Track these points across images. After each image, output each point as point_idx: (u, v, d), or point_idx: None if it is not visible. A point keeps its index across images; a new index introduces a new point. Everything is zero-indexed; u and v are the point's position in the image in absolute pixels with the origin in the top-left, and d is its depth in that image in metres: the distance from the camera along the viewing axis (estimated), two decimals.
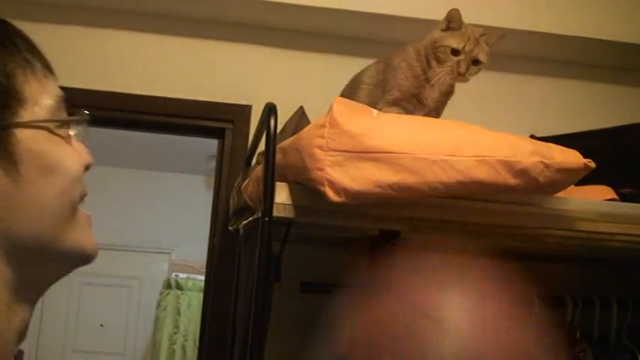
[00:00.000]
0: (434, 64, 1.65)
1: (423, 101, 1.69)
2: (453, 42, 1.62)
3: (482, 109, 2.47)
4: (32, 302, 0.72)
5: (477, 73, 1.66)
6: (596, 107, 2.54)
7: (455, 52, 1.62)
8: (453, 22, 1.65)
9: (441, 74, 1.64)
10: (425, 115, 1.70)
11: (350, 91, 1.81)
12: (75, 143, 0.76)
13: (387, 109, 1.66)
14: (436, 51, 1.65)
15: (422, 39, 1.79)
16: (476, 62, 1.64)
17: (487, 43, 1.66)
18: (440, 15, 2.17)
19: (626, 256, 2.02)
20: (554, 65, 2.57)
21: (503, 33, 1.69)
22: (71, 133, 0.75)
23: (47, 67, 0.76)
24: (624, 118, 2.35)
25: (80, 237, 0.74)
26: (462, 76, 1.64)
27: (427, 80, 1.67)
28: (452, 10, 1.66)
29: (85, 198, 0.77)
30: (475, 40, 1.63)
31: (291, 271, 1.79)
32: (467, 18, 2.25)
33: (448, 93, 1.72)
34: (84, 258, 0.76)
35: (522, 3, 2.35)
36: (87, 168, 0.78)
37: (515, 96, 2.52)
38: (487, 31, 1.66)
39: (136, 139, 3.99)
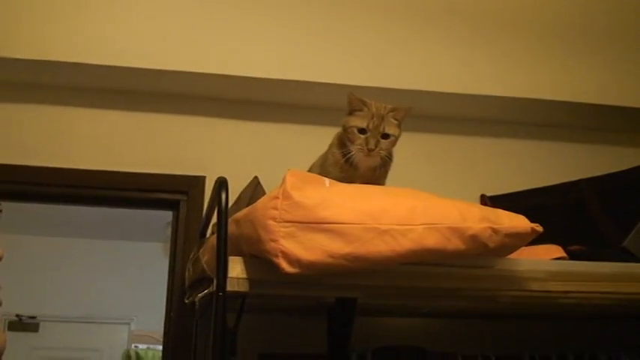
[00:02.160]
0: (348, 145, 1.73)
1: (352, 181, 1.73)
2: (358, 122, 1.71)
3: (433, 170, 2.53)
4: None
5: (391, 145, 1.73)
6: (541, 165, 2.61)
7: (361, 130, 1.70)
8: (352, 104, 1.74)
9: (352, 152, 1.71)
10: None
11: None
12: None
13: None
14: (347, 133, 1.74)
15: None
16: (385, 136, 1.71)
17: (395, 118, 1.73)
18: (393, 82, 2.26)
19: (579, 312, 2.06)
20: (500, 126, 2.64)
21: (411, 107, 1.76)
22: None
23: None
24: (568, 174, 2.43)
25: None
26: (373, 151, 1.70)
27: (348, 162, 1.74)
28: (348, 94, 1.75)
29: None
30: (380, 117, 1.70)
31: (249, 342, 1.78)
32: (417, 85, 2.35)
33: (376, 167, 1.77)
34: None
35: (466, 69, 2.43)
36: None
37: (465, 157, 2.58)
38: (396, 107, 1.73)
39: (90, 209, 3.95)
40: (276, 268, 1.40)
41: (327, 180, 1.63)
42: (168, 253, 2.49)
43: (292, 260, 1.39)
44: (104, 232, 5.66)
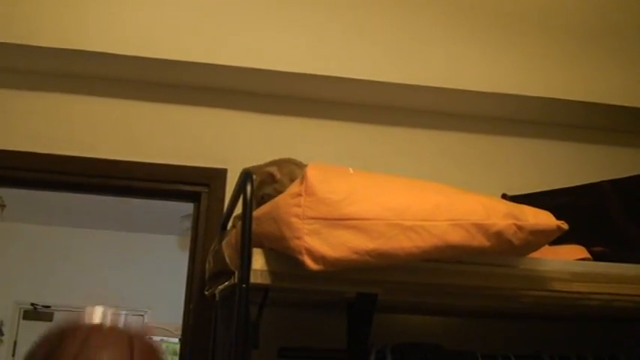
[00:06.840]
0: None
1: None
2: None
3: (456, 168, 2.52)
4: None
5: None
6: (564, 165, 2.60)
7: None
8: None
9: None
10: None
11: None
12: None
13: None
14: None
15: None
16: None
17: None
18: (418, 79, 2.26)
19: (602, 314, 2.04)
20: (523, 125, 2.63)
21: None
22: None
23: None
24: (591, 175, 2.41)
25: None
26: None
27: None
28: None
29: None
30: None
31: (268, 336, 1.78)
32: (441, 82, 2.35)
33: None
34: None
35: (490, 67, 2.42)
36: None
37: (487, 156, 2.57)
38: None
39: (106, 201, 3.97)
40: (300, 264, 1.39)
41: (350, 168, 1.62)
42: (182, 246, 2.49)
43: (317, 257, 1.38)
44: (120, 224, 5.69)
